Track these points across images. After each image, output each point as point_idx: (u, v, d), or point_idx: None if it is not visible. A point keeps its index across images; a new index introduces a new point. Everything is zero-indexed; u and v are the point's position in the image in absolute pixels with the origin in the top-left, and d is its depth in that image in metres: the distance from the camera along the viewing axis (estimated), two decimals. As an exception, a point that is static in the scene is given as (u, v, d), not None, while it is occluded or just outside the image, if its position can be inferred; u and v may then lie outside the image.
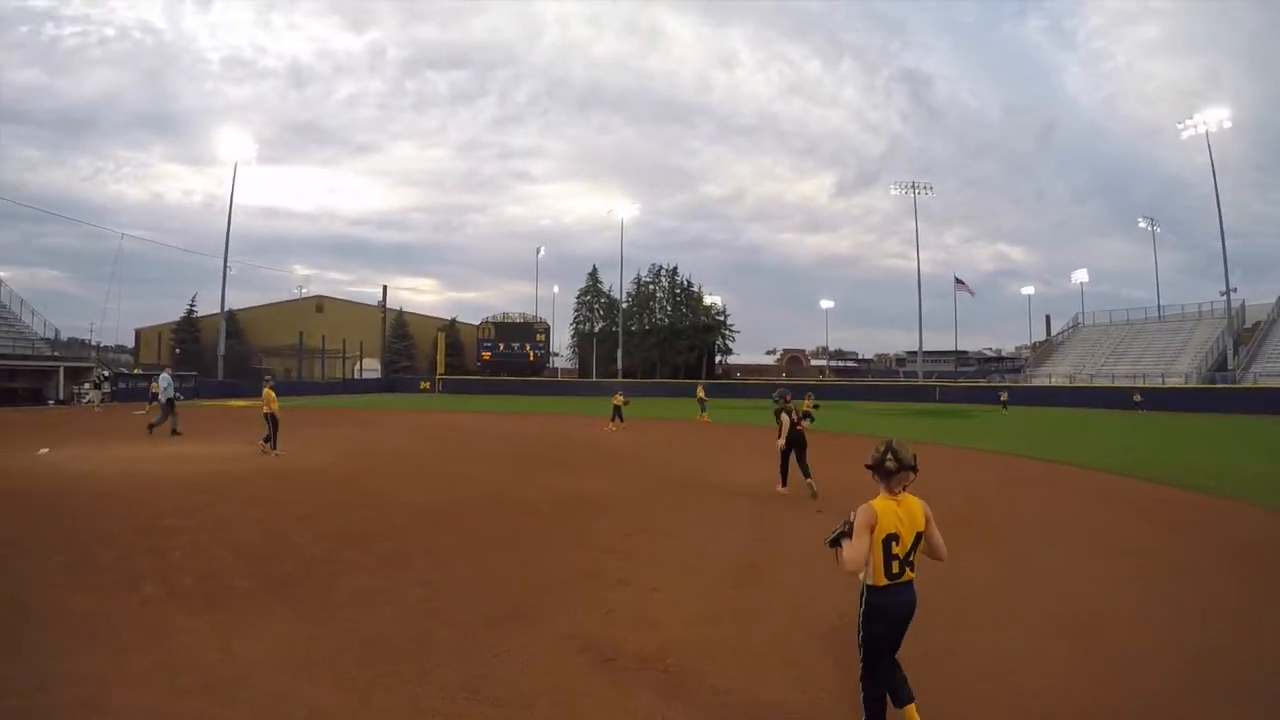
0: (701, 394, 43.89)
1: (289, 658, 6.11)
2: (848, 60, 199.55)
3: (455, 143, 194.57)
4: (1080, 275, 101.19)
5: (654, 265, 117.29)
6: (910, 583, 4.58)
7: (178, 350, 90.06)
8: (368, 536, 10.80)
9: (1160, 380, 68.53)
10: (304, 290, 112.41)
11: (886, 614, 4.56)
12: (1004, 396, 59.96)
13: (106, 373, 54.93)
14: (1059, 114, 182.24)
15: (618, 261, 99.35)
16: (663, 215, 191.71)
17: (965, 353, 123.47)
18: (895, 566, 4.47)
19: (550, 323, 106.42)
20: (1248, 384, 61.79)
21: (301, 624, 6.98)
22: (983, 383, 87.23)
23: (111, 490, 14.32)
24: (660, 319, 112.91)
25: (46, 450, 20.74)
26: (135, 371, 67.08)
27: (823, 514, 12.37)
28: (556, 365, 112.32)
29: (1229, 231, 69.09)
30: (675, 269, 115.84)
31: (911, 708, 4.69)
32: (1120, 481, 17.44)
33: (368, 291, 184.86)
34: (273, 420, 20.89)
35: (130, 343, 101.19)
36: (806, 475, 14.97)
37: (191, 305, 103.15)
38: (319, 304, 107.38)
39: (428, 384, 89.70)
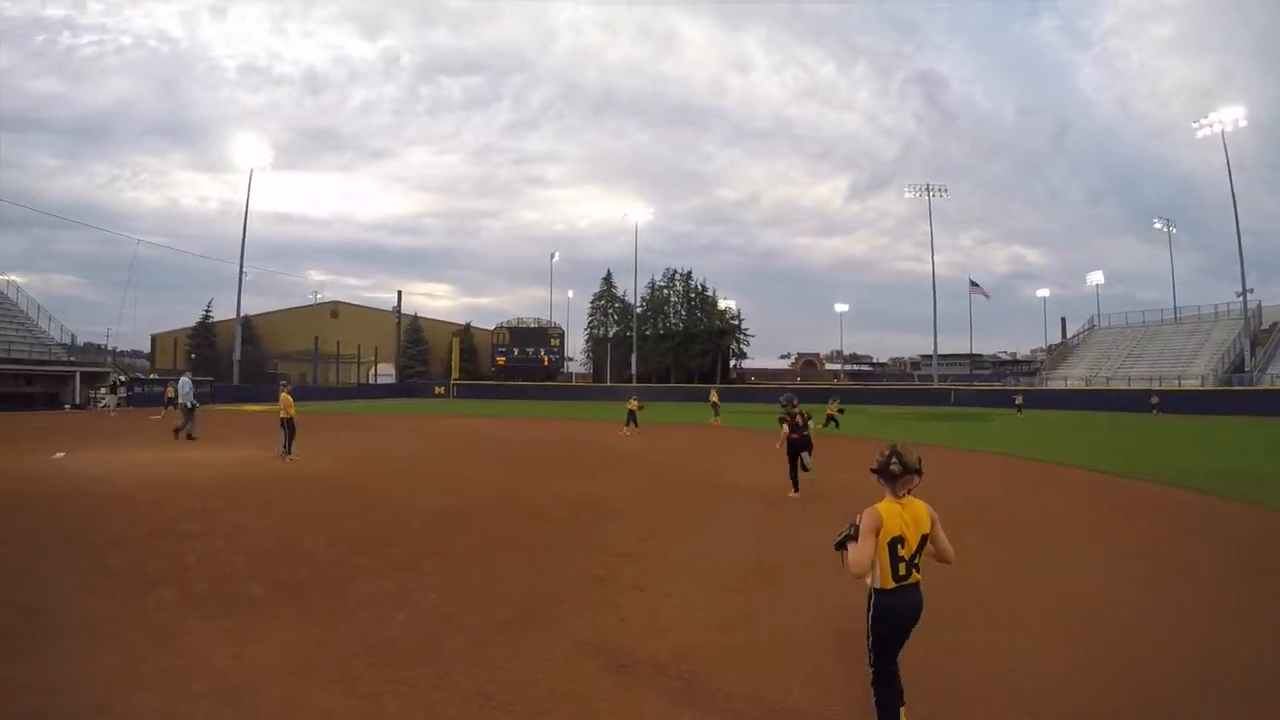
0: (715, 398, 43.81)
1: (301, 662, 6.08)
2: (862, 63, 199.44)
3: (469, 148, 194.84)
4: (1096, 277, 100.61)
5: (668, 269, 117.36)
6: (917, 585, 4.59)
7: (193, 355, 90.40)
8: (381, 541, 10.79)
9: (1177, 382, 68.12)
10: (319, 296, 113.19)
11: (894, 616, 4.56)
12: (1019, 400, 59.54)
13: (122, 377, 55.31)
14: (1072, 114, 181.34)
15: (632, 266, 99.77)
16: (677, 219, 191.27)
17: (980, 356, 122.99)
18: (902, 569, 4.47)
19: (565, 327, 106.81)
20: (1265, 385, 61.24)
21: (314, 629, 6.97)
22: (998, 386, 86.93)
23: (126, 494, 14.36)
24: (675, 323, 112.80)
25: (62, 454, 20.84)
26: (151, 376, 67.43)
27: (814, 505, 12.33)
28: (571, 370, 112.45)
29: (1244, 230, 68.66)
30: (690, 273, 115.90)
31: (901, 710, 4.71)
32: (1128, 484, 17.30)
33: (383, 297, 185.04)
34: (289, 425, 20.90)
35: (146, 348, 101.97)
36: (805, 468, 15.48)
37: (207, 311, 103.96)
38: (334, 309, 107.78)
39: (442, 389, 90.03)
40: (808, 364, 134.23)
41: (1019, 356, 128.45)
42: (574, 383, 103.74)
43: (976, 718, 5.22)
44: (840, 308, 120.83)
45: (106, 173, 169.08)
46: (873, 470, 4.64)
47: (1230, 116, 70.54)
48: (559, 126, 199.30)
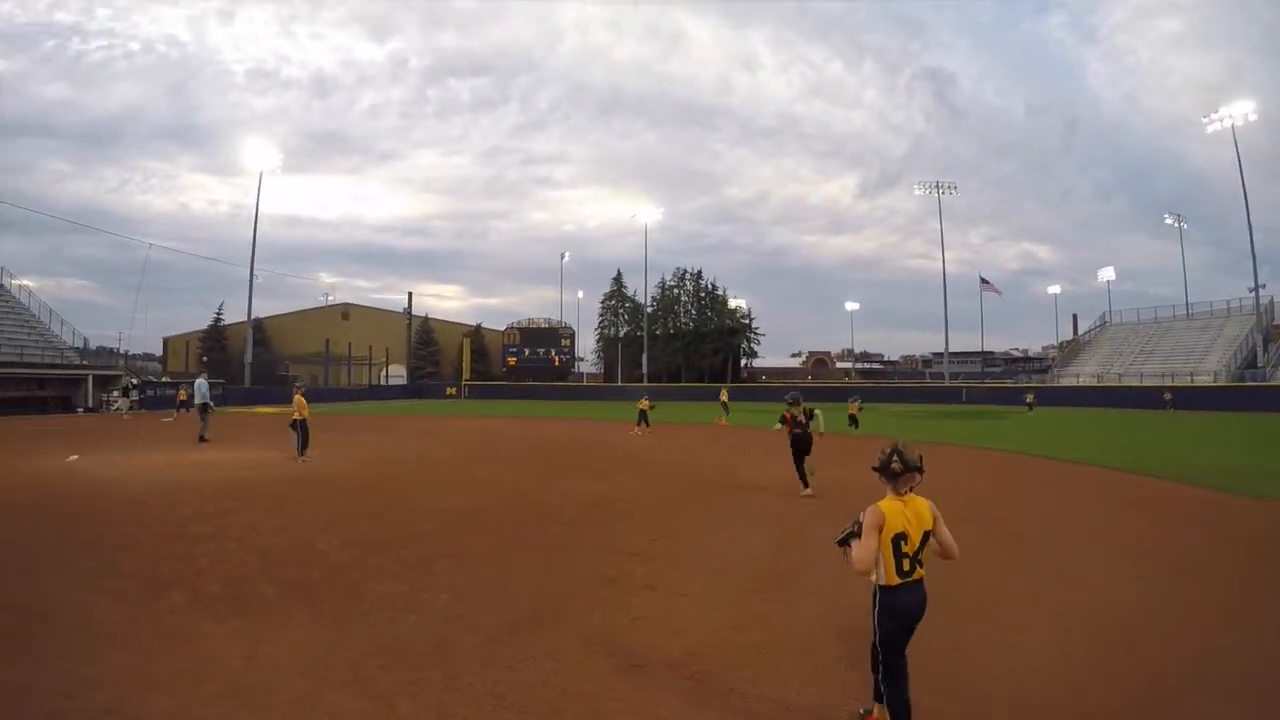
0: (724, 398, 43.71)
1: (314, 664, 6.08)
2: (869, 61, 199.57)
3: (478, 149, 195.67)
4: (1107, 273, 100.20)
5: (678, 269, 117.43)
6: (921, 581, 4.65)
7: (205, 358, 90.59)
8: (393, 542, 10.79)
9: (1189, 379, 67.72)
10: (330, 298, 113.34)
11: (899, 612, 4.61)
12: (1029, 398, 59.34)
13: (135, 381, 55.50)
14: (1081, 111, 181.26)
15: (642, 266, 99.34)
16: (686, 219, 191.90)
17: (992, 353, 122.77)
18: (906, 565, 4.54)
19: (575, 328, 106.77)
20: (1278, 381, 60.85)
21: (326, 630, 6.96)
22: (1009, 383, 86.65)
23: (138, 497, 14.39)
24: (685, 323, 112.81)
25: (76, 457, 20.92)
26: (163, 379, 67.71)
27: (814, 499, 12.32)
28: (582, 370, 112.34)
29: (1255, 225, 68.26)
30: (699, 272, 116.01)
31: (882, 708, 4.82)
32: (1139, 480, 17.23)
33: (393, 299, 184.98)
34: (302, 426, 20.93)
35: (158, 351, 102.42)
36: (800, 478, 15.21)
37: (218, 313, 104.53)
38: (345, 311, 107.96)
39: (454, 390, 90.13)
40: (819, 362, 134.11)
41: (1030, 354, 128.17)
42: (585, 383, 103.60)
43: (979, 716, 5.21)
44: (851, 306, 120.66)
45: (116, 177, 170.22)
46: (874, 468, 4.69)
47: (1240, 111, 70.21)
48: (566, 127, 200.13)
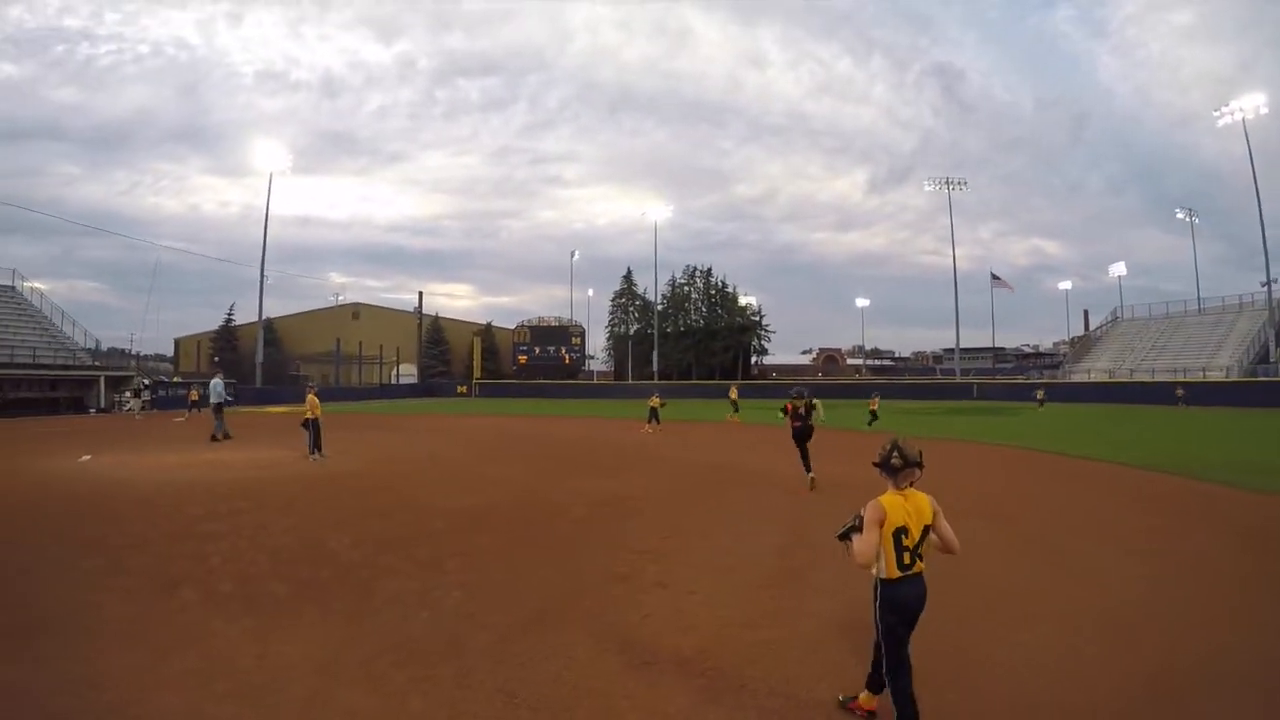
0: (734, 395, 43.61)
1: (325, 662, 6.09)
2: (878, 57, 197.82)
3: (487, 149, 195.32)
4: (1118, 268, 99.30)
5: (688, 266, 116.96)
6: (921, 574, 4.75)
7: (216, 359, 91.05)
8: (404, 541, 10.82)
9: (1201, 374, 67.25)
10: (340, 298, 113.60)
11: (900, 605, 4.70)
12: (1040, 394, 58.88)
13: (146, 381, 55.81)
14: (1091, 105, 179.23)
15: (652, 263, 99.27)
16: (695, 216, 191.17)
17: (1003, 349, 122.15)
18: (906, 558, 4.64)
19: (585, 326, 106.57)
20: (1290, 377, 60.44)
21: (338, 628, 6.98)
22: (1020, 379, 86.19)
23: (150, 497, 14.45)
24: (695, 320, 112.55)
25: (88, 457, 21.04)
26: (174, 380, 67.95)
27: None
28: (592, 368, 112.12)
29: (1267, 220, 67.83)
30: (709, 270, 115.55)
31: (876, 699, 5.01)
32: (1149, 476, 17.11)
33: (403, 298, 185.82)
34: (314, 425, 20.98)
35: (169, 352, 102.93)
36: (807, 468, 15.78)
37: (229, 314, 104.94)
38: (355, 311, 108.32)
39: (464, 388, 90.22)
40: (829, 359, 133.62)
41: (1042, 349, 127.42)
42: (595, 381, 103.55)
43: (988, 713, 5.20)
44: (861, 302, 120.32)
45: (127, 180, 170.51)
46: (875, 464, 4.82)
47: (1251, 104, 69.56)
48: (576, 126, 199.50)
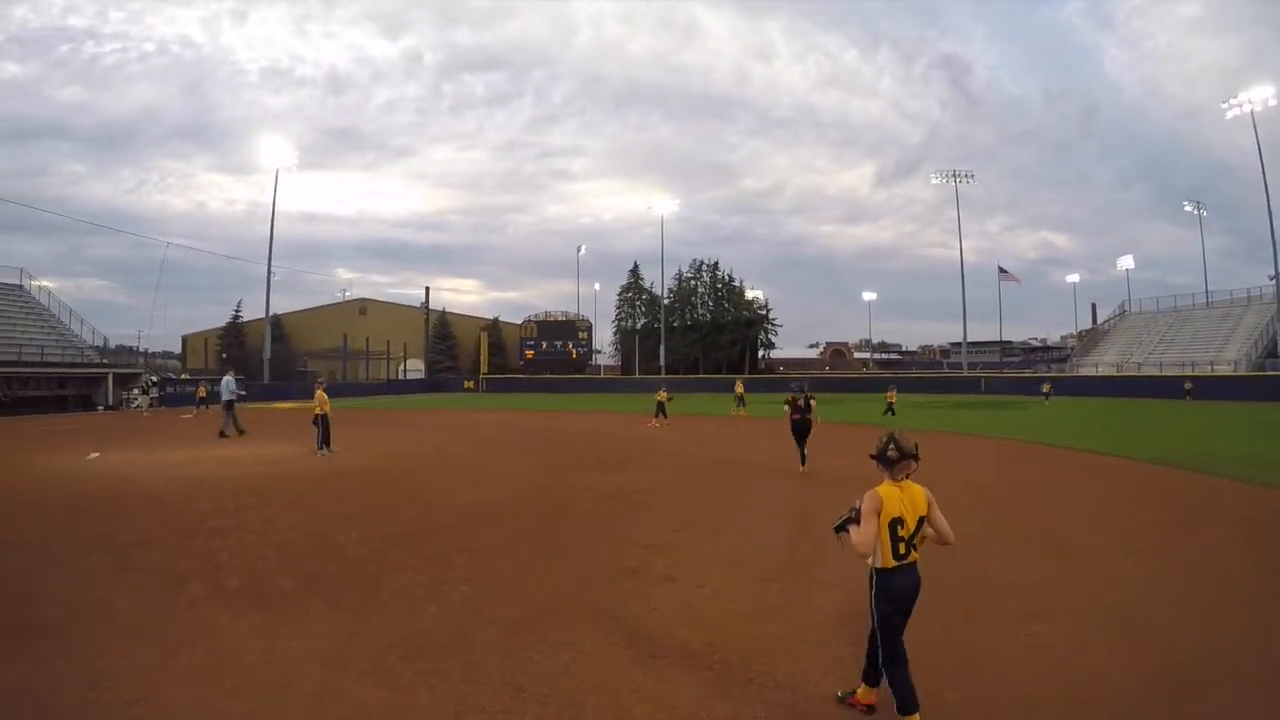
0: (740, 390, 43.54)
1: (334, 656, 6.11)
2: (885, 49, 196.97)
3: (493, 144, 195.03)
4: (1126, 262, 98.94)
5: (695, 260, 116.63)
6: (915, 564, 4.87)
7: (224, 355, 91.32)
8: (412, 536, 10.84)
9: (1209, 368, 66.94)
10: (347, 293, 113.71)
11: (895, 593, 4.81)
12: (1046, 388, 58.71)
13: (154, 378, 55.80)
14: (1100, 97, 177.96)
15: (659, 257, 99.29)
16: (702, 210, 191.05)
17: (1010, 343, 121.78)
18: (901, 548, 4.75)
19: (592, 320, 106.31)
20: (1299, 370, 60.10)
21: (346, 622, 7.01)
22: (1029, 373, 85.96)
23: (159, 493, 14.50)
24: (702, 314, 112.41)
25: (96, 455, 21.10)
26: (182, 377, 68.04)
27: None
28: (599, 363, 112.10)
29: (1276, 212, 67.41)
30: (716, 264, 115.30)
31: (874, 691, 5.04)
32: (1156, 470, 17.09)
33: (410, 293, 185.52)
34: (323, 421, 21.03)
35: (177, 349, 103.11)
36: (802, 461, 17.02)
37: (237, 311, 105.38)
38: (362, 307, 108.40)
39: (471, 383, 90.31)
40: (836, 353, 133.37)
41: (1050, 343, 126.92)
42: (602, 375, 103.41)
43: (999, 709, 5.18)
44: (868, 296, 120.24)
45: (133, 178, 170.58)
46: (872, 456, 4.96)
47: (1260, 96, 69.07)
48: (582, 121, 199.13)
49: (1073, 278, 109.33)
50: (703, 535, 10.89)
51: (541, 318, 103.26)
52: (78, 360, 53.60)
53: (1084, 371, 79.10)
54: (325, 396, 21.59)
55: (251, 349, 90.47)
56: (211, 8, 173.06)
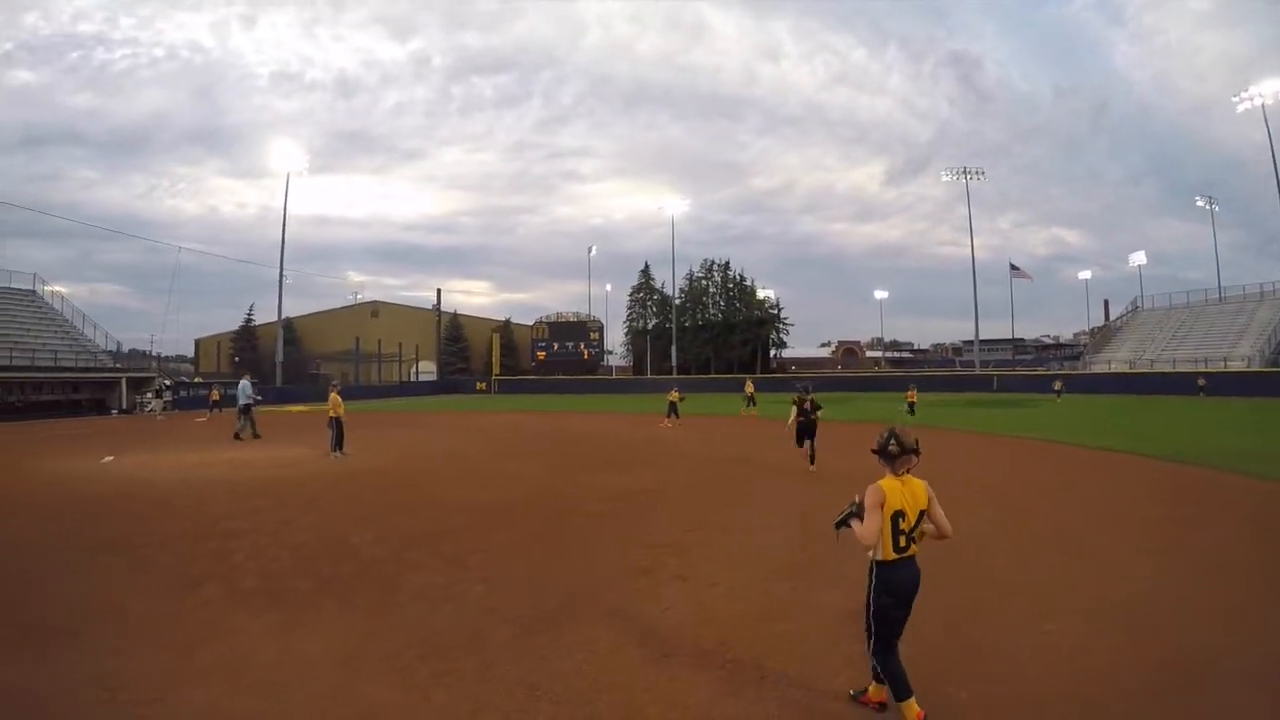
0: (750, 390, 43.44)
1: (349, 656, 6.14)
2: (893, 47, 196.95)
3: (503, 145, 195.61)
4: (1138, 258, 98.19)
5: (706, 260, 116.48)
6: (914, 557, 4.96)
7: (236, 359, 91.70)
8: (426, 536, 10.87)
9: (1222, 364, 66.53)
10: (359, 296, 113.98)
11: (895, 586, 4.90)
12: (1058, 385, 58.33)
13: (168, 382, 56.16)
14: (1110, 93, 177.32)
15: (669, 257, 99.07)
16: (712, 210, 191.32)
17: (1023, 340, 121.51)
18: (902, 541, 4.85)
19: (604, 321, 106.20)
20: (1312, 366, 59.63)
21: (361, 623, 7.04)
22: (1041, 371, 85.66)
23: (173, 496, 14.59)
24: (714, 314, 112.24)
25: (111, 458, 21.22)
26: (196, 380, 68.37)
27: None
28: (611, 363, 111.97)
29: (1287, 206, 67.14)
30: (727, 263, 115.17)
31: (885, 689, 5.02)
32: (1168, 467, 17.00)
33: (422, 295, 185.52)
34: (338, 424, 21.10)
35: (190, 352, 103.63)
36: (811, 460, 17.34)
37: (249, 314, 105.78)
38: (374, 309, 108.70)
39: (483, 385, 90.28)
40: (848, 352, 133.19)
41: (1062, 340, 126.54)
42: (614, 376, 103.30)
43: (1010, 706, 5.17)
44: (880, 294, 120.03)
45: (145, 183, 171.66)
46: (873, 451, 5.07)
47: (1270, 89, 68.66)
48: (591, 121, 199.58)
49: (1085, 274, 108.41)
50: (715, 535, 10.89)
51: (553, 319, 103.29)
52: (91, 365, 53.86)
53: (1097, 368, 78.73)
54: (339, 399, 21.66)
55: (264, 352, 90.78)
56: (220, 12, 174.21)
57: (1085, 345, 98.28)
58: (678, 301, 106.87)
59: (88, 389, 51.69)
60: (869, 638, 4.98)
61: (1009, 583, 8.11)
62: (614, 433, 30.29)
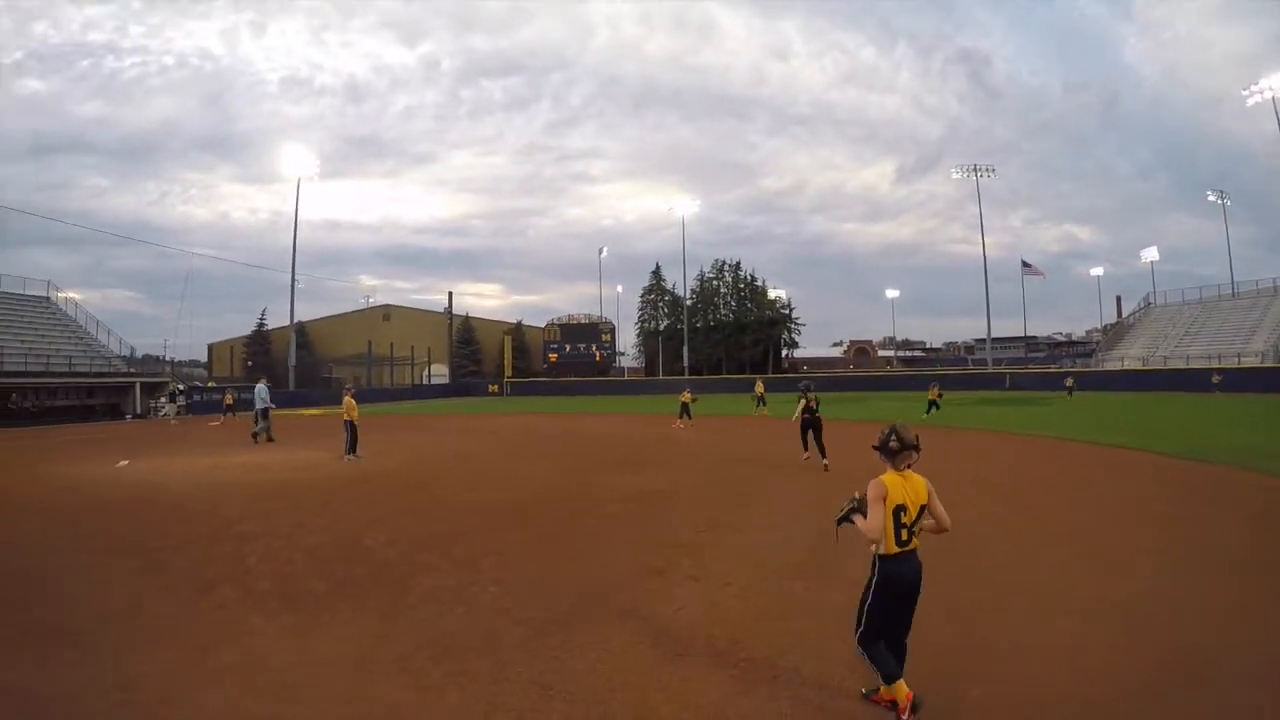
0: (760, 390, 43.30)
1: (364, 657, 6.17)
2: (902, 45, 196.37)
3: (513, 148, 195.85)
4: (1150, 254, 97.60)
5: (717, 261, 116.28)
6: (915, 550, 5.10)
7: (249, 363, 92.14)
8: (439, 538, 10.91)
9: (1236, 360, 66.03)
10: (371, 300, 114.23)
11: (897, 579, 5.03)
12: (1069, 382, 58.05)
13: (181, 387, 56.21)
14: (1120, 87, 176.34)
15: (680, 258, 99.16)
16: (723, 210, 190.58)
17: (1035, 338, 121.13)
18: (904, 535, 4.99)
19: (615, 322, 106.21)
20: (1327, 361, 59.17)
21: (375, 624, 7.07)
22: (1053, 368, 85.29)
23: (187, 499, 14.65)
24: (725, 315, 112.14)
25: (125, 462, 21.34)
26: (209, 385, 68.56)
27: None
28: (623, 365, 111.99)
29: (1299, 199, 66.71)
30: (738, 264, 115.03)
31: (902, 683, 5.00)
32: (1183, 465, 16.89)
33: (433, 299, 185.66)
34: (352, 427, 21.18)
35: (203, 357, 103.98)
36: (822, 454, 17.79)
37: (261, 319, 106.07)
38: (386, 313, 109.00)
39: (495, 387, 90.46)
40: (860, 351, 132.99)
41: (1074, 337, 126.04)
42: (626, 377, 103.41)
43: (1019, 704, 5.18)
44: (891, 293, 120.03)
45: (156, 189, 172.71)
46: (874, 447, 5.20)
47: (1280, 82, 68.75)
48: (600, 123, 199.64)
49: (1096, 271, 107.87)
50: (727, 535, 10.90)
51: (564, 321, 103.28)
52: (105, 370, 54.23)
53: (1109, 366, 78.36)
54: (353, 403, 21.74)
55: (277, 356, 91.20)
56: (230, 20, 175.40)
57: (1098, 342, 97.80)
58: (689, 302, 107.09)
59: (102, 394, 52.01)
60: (858, 626, 5.11)
61: (1017, 581, 8.11)
62: (626, 434, 30.32)
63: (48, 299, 59.56)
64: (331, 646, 6.43)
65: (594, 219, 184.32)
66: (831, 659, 5.92)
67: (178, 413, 48.40)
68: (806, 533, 10.77)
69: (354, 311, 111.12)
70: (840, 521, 5.24)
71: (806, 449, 18.53)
